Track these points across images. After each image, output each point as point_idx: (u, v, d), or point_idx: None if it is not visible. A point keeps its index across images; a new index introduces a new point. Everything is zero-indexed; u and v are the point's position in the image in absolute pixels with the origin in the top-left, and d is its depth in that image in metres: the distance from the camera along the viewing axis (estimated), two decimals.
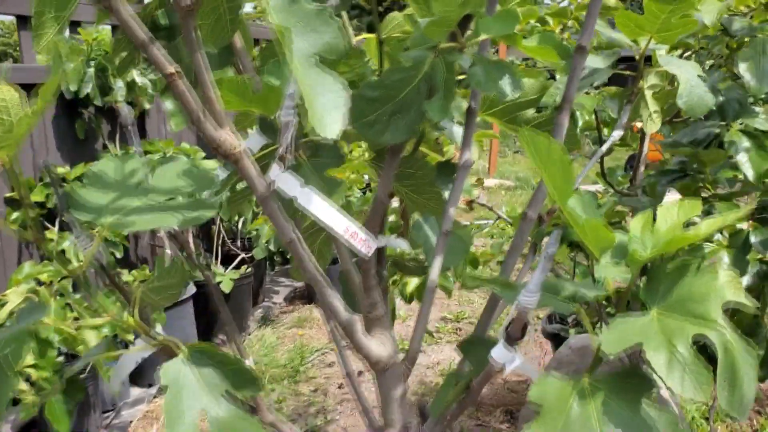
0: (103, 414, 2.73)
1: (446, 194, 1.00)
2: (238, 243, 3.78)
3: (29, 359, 1.88)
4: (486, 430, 2.62)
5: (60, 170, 2.77)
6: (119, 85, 2.89)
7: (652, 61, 1.09)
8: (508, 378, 2.92)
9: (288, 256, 3.69)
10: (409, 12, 1.00)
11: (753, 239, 1.28)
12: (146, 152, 3.14)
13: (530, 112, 1.05)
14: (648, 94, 1.05)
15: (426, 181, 1.01)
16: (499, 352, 0.69)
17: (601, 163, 1.62)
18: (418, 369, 3.10)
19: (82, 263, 0.67)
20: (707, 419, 2.50)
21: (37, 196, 2.63)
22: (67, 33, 3.03)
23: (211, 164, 2.84)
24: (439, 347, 3.36)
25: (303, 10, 0.66)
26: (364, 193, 3.68)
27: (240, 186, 1.01)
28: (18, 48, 2.88)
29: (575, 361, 2.37)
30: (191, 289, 3.12)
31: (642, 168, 1.59)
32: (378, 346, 0.87)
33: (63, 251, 2.65)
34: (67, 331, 1.85)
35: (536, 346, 3.29)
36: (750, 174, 1.26)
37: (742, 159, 1.27)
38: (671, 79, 1.30)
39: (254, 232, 3.65)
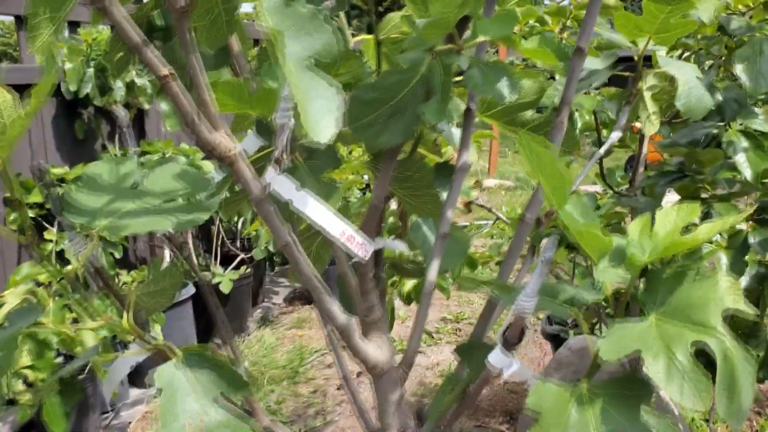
0: (102, 415, 2.72)
1: (444, 196, 1.00)
2: (238, 243, 3.78)
3: (27, 360, 1.88)
4: (485, 431, 2.62)
5: (59, 171, 2.77)
6: (119, 86, 2.89)
7: (652, 61, 1.08)
8: (508, 379, 2.91)
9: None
10: (407, 13, 1.00)
11: (751, 240, 1.27)
12: (145, 153, 3.13)
13: (529, 114, 1.05)
14: (647, 95, 1.04)
15: (423, 184, 1.01)
16: (496, 357, 0.69)
17: (601, 164, 1.61)
18: (418, 370, 3.09)
19: (74, 267, 0.66)
20: (707, 421, 2.50)
21: (35, 197, 2.62)
22: (66, 33, 3.03)
23: (211, 165, 2.84)
24: (438, 348, 3.35)
25: (297, 13, 0.65)
26: (364, 193, 3.67)
27: (238, 187, 1.01)
28: (18, 48, 2.88)
29: (575, 362, 2.37)
30: (190, 290, 3.11)
31: (641, 169, 1.58)
32: (375, 350, 0.86)
33: (62, 252, 2.65)
34: (65, 332, 1.85)
35: (536, 347, 3.28)
36: (748, 174, 1.25)
37: (741, 159, 1.26)
38: (671, 78, 1.29)
39: (254, 233, 3.64)
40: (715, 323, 0.58)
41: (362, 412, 0.98)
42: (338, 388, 2.97)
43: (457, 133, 1.06)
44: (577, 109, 1.99)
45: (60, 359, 2.28)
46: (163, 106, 0.99)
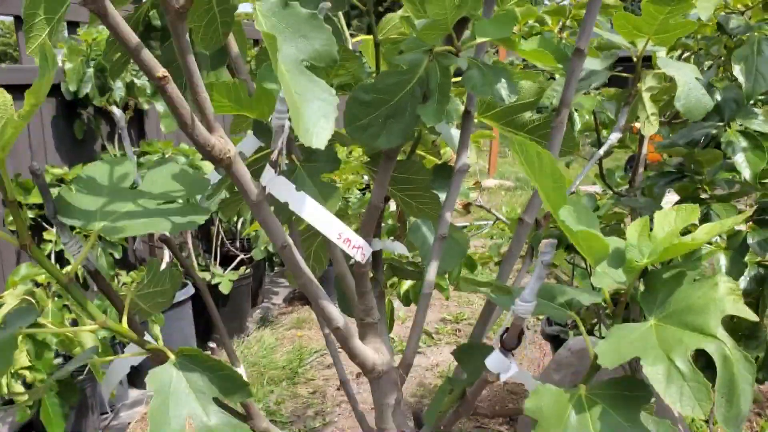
0: (101, 415, 2.72)
1: (443, 198, 0.99)
2: (237, 244, 3.77)
3: (25, 361, 1.87)
4: (485, 431, 2.61)
5: (58, 171, 2.76)
6: (118, 86, 2.89)
7: (652, 62, 1.08)
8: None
9: None
10: (406, 13, 0.99)
11: (750, 240, 1.27)
12: (145, 153, 3.13)
13: (528, 115, 1.04)
14: (646, 96, 1.04)
15: (422, 186, 1.00)
16: (494, 361, 0.68)
17: (600, 164, 1.61)
18: (417, 371, 3.08)
19: (71, 269, 0.66)
20: (707, 422, 2.49)
21: (35, 198, 2.62)
22: (66, 33, 3.03)
23: (211, 165, 2.83)
24: (438, 349, 3.35)
25: (294, 14, 0.65)
26: (364, 194, 3.67)
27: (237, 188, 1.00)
28: (18, 48, 2.88)
29: (574, 363, 2.36)
30: (190, 291, 3.11)
31: (641, 169, 1.58)
32: (372, 352, 0.86)
33: (62, 252, 2.65)
34: (64, 333, 1.84)
35: (535, 347, 3.28)
36: (747, 174, 1.25)
37: (739, 159, 1.26)
38: (670, 79, 1.29)
39: (253, 233, 3.64)
40: (714, 328, 0.57)
41: (360, 416, 0.98)
42: (338, 389, 2.97)
43: (456, 134, 1.06)
44: (576, 110, 1.98)
45: (59, 360, 2.27)
46: (158, 106, 0.98)
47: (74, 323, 2.17)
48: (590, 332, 2.40)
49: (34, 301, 1.95)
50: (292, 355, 3.28)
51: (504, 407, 2.76)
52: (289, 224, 1.00)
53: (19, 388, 1.90)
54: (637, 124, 1.16)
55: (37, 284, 2.16)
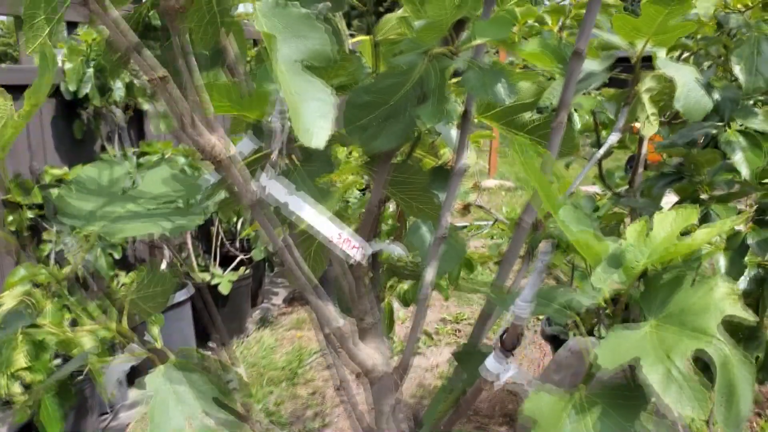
0: (100, 416, 2.72)
1: (442, 199, 0.99)
2: (237, 244, 3.77)
3: (23, 362, 1.87)
4: None
5: (58, 171, 2.76)
6: (118, 86, 2.89)
7: (653, 62, 1.08)
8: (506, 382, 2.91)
9: None
10: (405, 14, 0.99)
11: (750, 241, 1.26)
12: (144, 153, 3.12)
13: (527, 115, 1.04)
14: (645, 97, 1.03)
15: (421, 187, 1.00)
16: (492, 363, 0.68)
17: (600, 165, 1.61)
18: (417, 371, 3.08)
19: (70, 270, 0.66)
20: (707, 422, 2.49)
21: (35, 198, 2.61)
22: (65, 33, 3.02)
23: (210, 165, 2.82)
24: (438, 349, 3.35)
25: (291, 14, 0.65)
26: (364, 194, 3.66)
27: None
28: (18, 48, 2.87)
29: (574, 364, 2.36)
30: (189, 291, 3.11)
31: (641, 169, 1.57)
32: (371, 353, 0.86)
33: (62, 252, 2.64)
34: (62, 334, 1.84)
35: (535, 348, 3.28)
36: (745, 172, 1.25)
37: (738, 158, 1.26)
38: (670, 79, 1.29)
39: (253, 234, 3.63)
40: (713, 330, 0.57)
41: (359, 419, 0.98)
42: (337, 390, 2.97)
43: (455, 134, 1.06)
44: (576, 110, 1.98)
45: (58, 360, 2.27)
46: (152, 107, 0.98)
47: (73, 324, 2.17)
48: (590, 332, 2.40)
49: (32, 301, 1.95)
50: (292, 355, 3.28)
51: (504, 408, 2.76)
52: (288, 225, 1.00)
53: (17, 389, 1.89)
54: (637, 125, 1.15)
55: (36, 285, 2.15)
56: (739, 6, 1.46)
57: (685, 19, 0.94)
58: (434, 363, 3.19)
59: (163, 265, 3.22)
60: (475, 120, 1.01)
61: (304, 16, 0.65)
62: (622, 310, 0.70)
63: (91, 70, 2.81)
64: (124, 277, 2.96)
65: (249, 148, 0.94)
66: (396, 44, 1.03)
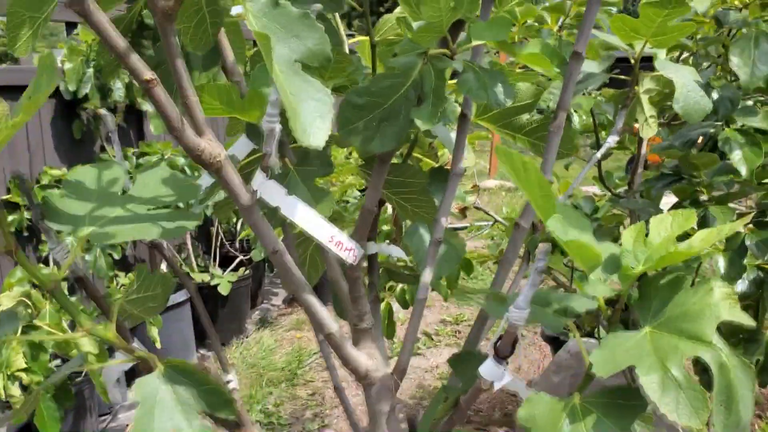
0: (99, 417, 2.71)
1: (439, 201, 0.98)
2: (237, 245, 3.76)
3: (21, 363, 1.86)
4: None
5: (56, 172, 2.75)
6: (118, 86, 2.88)
7: (654, 62, 1.07)
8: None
9: None
10: (403, 14, 0.98)
11: (749, 242, 1.26)
12: (144, 154, 3.12)
13: (526, 117, 1.03)
14: (644, 98, 1.02)
15: (418, 189, 0.99)
16: (487, 369, 0.67)
17: (599, 166, 1.60)
18: (417, 372, 3.07)
19: (55, 276, 0.65)
20: (707, 424, 2.48)
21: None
22: (65, 33, 3.02)
23: None
24: (438, 350, 3.34)
25: (285, 14, 0.64)
26: (363, 194, 3.65)
27: None
28: None
29: (574, 365, 2.35)
30: (189, 292, 3.10)
31: (640, 170, 1.56)
32: (365, 359, 0.85)
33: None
34: (61, 335, 1.83)
35: (535, 349, 3.27)
36: (743, 170, 1.24)
37: (736, 156, 1.25)
38: (669, 81, 1.28)
39: (252, 234, 3.62)
40: (710, 335, 0.56)
41: (354, 424, 0.97)
42: (335, 389, 2.96)
43: (454, 136, 1.05)
44: (575, 110, 1.97)
45: (57, 362, 2.26)
46: (149, 107, 0.97)
47: (72, 324, 2.16)
48: (590, 334, 2.39)
49: (30, 302, 1.95)
50: (291, 356, 3.27)
51: (504, 408, 2.75)
52: (284, 228, 0.99)
53: (15, 390, 1.89)
54: (637, 126, 1.15)
55: (35, 285, 2.15)
56: (736, 3, 1.45)
57: (684, 19, 0.93)
58: (434, 364, 3.18)
59: (164, 266, 3.21)
60: (473, 122, 1.00)
61: (300, 15, 0.64)
62: (621, 312, 0.69)
63: (91, 71, 2.80)
64: (123, 278, 2.96)
65: (245, 150, 0.93)
66: (394, 45, 1.02)
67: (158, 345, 2.67)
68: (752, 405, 0.57)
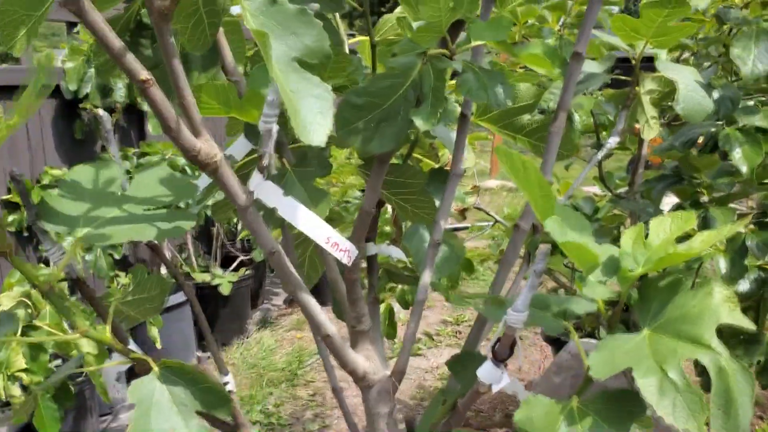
0: (100, 417, 2.71)
1: (439, 202, 0.98)
2: (238, 245, 3.76)
3: (22, 363, 1.86)
4: None
5: (57, 172, 2.75)
6: (119, 86, 2.88)
7: (655, 62, 1.06)
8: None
9: None
10: (403, 14, 0.98)
11: (749, 243, 1.25)
12: (145, 154, 3.12)
13: (526, 117, 1.03)
14: (645, 99, 1.02)
15: (417, 190, 0.99)
16: (486, 372, 0.67)
17: (600, 166, 1.59)
18: (417, 373, 3.07)
19: (49, 278, 0.65)
20: (707, 425, 2.47)
21: (34, 198, 2.61)
22: (65, 33, 3.02)
23: None
24: (438, 350, 3.33)
25: (282, 11, 0.63)
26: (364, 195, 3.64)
27: None
28: None
29: (574, 366, 2.34)
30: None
31: (641, 170, 1.56)
32: (363, 361, 0.85)
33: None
34: (61, 336, 1.83)
35: (536, 349, 3.26)
36: (744, 168, 1.24)
37: (737, 155, 1.25)
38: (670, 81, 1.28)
39: None
40: (708, 339, 0.56)
41: (352, 425, 0.96)
42: (334, 390, 2.96)
43: (454, 136, 1.05)
44: (576, 111, 1.96)
45: (58, 362, 2.26)
46: (147, 107, 0.97)
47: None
48: (591, 335, 2.38)
49: (30, 303, 1.94)
50: (292, 356, 3.27)
51: (504, 409, 2.75)
52: (283, 229, 0.98)
53: (16, 390, 1.88)
54: (638, 126, 1.14)
55: (35, 285, 2.15)
56: (737, 1, 1.45)
57: (685, 18, 0.93)
58: (435, 364, 3.18)
59: (163, 269, 3.21)
60: (473, 122, 1.00)
61: (298, 12, 0.63)
62: (621, 312, 0.68)
63: (92, 70, 2.80)
64: (124, 278, 2.95)
65: (243, 150, 0.92)
66: (394, 45, 1.01)
67: (159, 345, 2.66)
68: (751, 410, 0.57)
